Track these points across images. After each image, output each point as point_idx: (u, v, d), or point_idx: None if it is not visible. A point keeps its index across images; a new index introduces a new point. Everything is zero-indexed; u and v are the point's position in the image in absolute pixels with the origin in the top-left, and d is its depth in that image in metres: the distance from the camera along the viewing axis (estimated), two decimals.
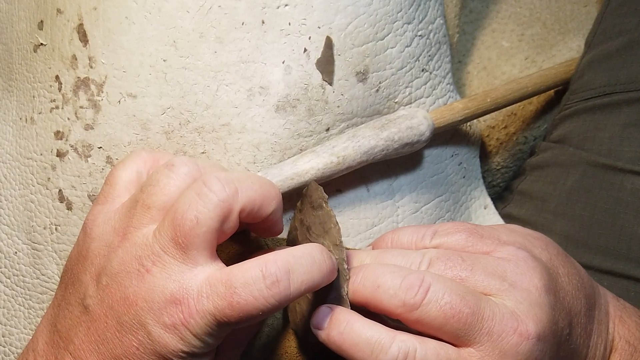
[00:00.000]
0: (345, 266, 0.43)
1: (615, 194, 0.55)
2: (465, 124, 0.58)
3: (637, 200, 0.53)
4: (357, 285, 0.43)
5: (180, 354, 0.38)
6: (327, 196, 0.43)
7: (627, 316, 0.46)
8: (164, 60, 0.47)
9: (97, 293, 0.40)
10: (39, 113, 0.52)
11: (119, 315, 0.39)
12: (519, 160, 0.66)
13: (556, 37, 0.65)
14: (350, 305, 0.43)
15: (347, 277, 0.43)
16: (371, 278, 0.42)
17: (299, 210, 0.46)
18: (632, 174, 0.54)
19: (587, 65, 0.60)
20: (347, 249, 0.48)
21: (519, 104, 0.62)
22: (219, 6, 0.47)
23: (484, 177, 0.66)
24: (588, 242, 0.55)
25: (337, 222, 0.43)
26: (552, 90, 0.63)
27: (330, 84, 0.49)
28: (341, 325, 0.41)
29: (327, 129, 0.50)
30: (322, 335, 0.42)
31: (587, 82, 0.59)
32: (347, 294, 0.43)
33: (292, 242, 0.48)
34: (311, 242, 0.44)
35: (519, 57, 0.65)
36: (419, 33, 0.52)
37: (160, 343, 0.37)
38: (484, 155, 0.65)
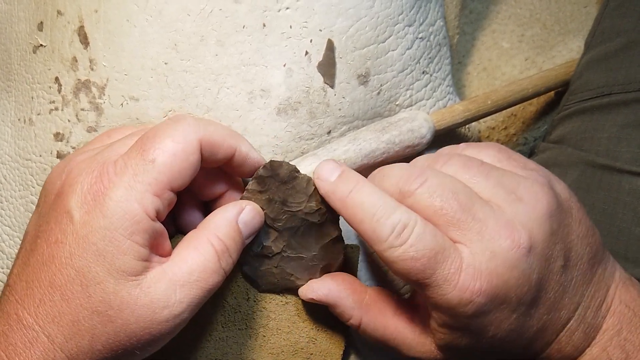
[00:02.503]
0: (336, 213, 0.45)
1: (613, 195, 0.55)
2: (464, 127, 0.58)
3: (635, 200, 0.53)
4: (370, 176, 0.44)
5: None
6: (295, 165, 0.45)
7: (631, 285, 0.46)
8: (165, 63, 0.47)
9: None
10: (38, 114, 0.52)
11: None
12: None
13: (556, 37, 0.65)
14: None
15: (338, 217, 0.45)
16: (382, 170, 0.44)
17: (258, 192, 0.46)
18: (630, 174, 0.54)
19: (585, 66, 0.60)
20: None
21: (519, 105, 0.62)
22: (220, 9, 0.47)
23: None
24: None
25: (313, 182, 0.45)
26: (552, 92, 0.63)
27: (332, 86, 0.49)
28: (350, 183, 0.42)
29: (329, 132, 0.50)
30: (326, 186, 0.43)
31: (586, 83, 0.60)
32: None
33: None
34: (290, 213, 0.46)
35: (519, 58, 0.65)
36: (420, 35, 0.52)
37: None
38: None
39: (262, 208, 0.46)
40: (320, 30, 0.48)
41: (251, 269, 0.48)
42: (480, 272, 0.39)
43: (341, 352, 0.51)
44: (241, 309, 0.50)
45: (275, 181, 0.45)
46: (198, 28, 0.47)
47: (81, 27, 0.49)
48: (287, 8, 0.47)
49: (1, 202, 0.55)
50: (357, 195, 0.41)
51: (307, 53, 0.48)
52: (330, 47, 0.48)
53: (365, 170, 0.50)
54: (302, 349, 0.51)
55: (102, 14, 0.48)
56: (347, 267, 0.51)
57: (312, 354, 0.51)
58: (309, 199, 0.45)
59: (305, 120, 0.49)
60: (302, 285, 0.48)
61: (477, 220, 0.40)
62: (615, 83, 0.57)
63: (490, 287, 0.39)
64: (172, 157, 0.39)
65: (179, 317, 0.40)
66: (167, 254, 0.41)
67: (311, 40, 0.48)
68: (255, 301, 0.50)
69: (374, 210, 0.40)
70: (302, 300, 0.50)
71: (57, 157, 0.50)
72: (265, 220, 0.46)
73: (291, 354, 0.51)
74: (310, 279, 0.48)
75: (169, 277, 0.40)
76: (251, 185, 0.45)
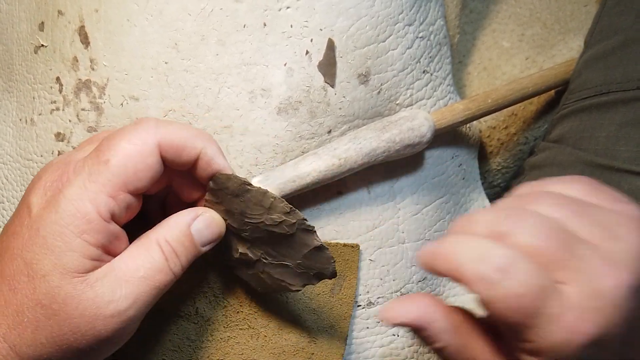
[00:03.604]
0: (308, 223, 0.44)
1: None
2: (464, 126, 0.58)
3: (633, 199, 0.53)
4: (453, 228, 0.42)
5: None
6: (245, 178, 0.44)
7: None
8: (166, 63, 0.47)
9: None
10: (39, 114, 0.52)
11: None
12: (519, 160, 0.66)
13: (556, 37, 0.65)
14: None
15: (314, 229, 0.44)
16: (467, 218, 0.41)
17: (215, 203, 0.45)
18: (629, 173, 0.54)
19: (584, 65, 0.60)
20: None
21: (519, 104, 0.62)
22: (220, 9, 0.47)
23: (484, 177, 0.66)
24: None
25: (274, 195, 0.44)
26: (553, 91, 0.63)
27: (332, 86, 0.49)
28: (442, 243, 0.40)
29: (329, 131, 0.50)
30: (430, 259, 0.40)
31: (584, 82, 0.60)
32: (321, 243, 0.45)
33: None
34: (251, 224, 0.45)
35: (519, 57, 0.65)
36: (420, 35, 0.52)
37: None
38: (485, 155, 0.65)
39: (224, 218, 0.45)
40: (321, 30, 0.48)
41: (241, 273, 0.48)
42: (586, 312, 0.38)
43: (342, 352, 0.51)
44: (243, 310, 0.50)
45: (227, 194, 0.44)
46: (199, 27, 0.47)
47: (82, 27, 0.49)
48: (288, 7, 0.47)
49: (2, 202, 0.55)
50: (451, 245, 0.39)
51: (307, 52, 0.48)
52: (330, 47, 0.48)
53: (366, 169, 0.51)
54: (303, 349, 0.51)
55: (102, 14, 0.48)
56: (347, 267, 0.51)
57: (313, 354, 0.51)
58: (268, 211, 0.44)
59: (305, 120, 0.49)
60: (297, 289, 0.47)
61: (578, 259, 0.38)
62: (613, 81, 0.56)
63: (596, 327, 0.38)
64: (126, 158, 0.39)
65: (125, 313, 0.40)
66: None
67: (312, 40, 0.48)
68: (257, 302, 0.50)
69: (473, 251, 0.38)
70: (303, 300, 0.50)
71: None
72: (232, 230, 0.46)
73: (292, 354, 0.51)
74: (305, 284, 0.47)
75: (115, 273, 0.40)
76: (207, 195, 0.45)
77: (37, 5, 0.52)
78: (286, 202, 0.44)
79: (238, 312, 0.50)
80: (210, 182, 0.44)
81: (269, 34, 0.47)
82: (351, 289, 0.51)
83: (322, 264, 0.46)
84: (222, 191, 0.44)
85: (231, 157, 0.48)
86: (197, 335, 0.50)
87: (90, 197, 0.39)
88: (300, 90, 0.48)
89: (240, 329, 0.50)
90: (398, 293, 0.54)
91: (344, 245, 0.50)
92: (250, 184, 0.44)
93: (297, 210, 0.44)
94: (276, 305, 0.50)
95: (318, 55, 0.48)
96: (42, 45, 0.51)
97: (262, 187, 0.44)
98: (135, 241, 0.42)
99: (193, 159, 0.43)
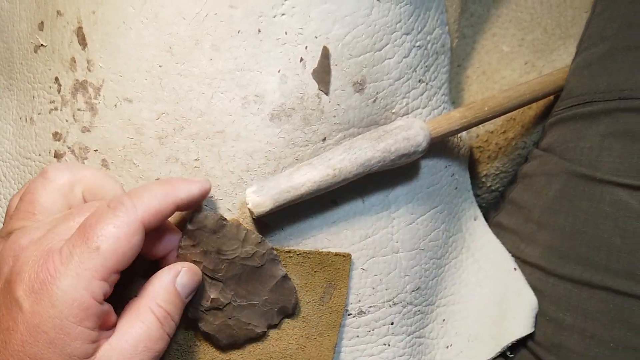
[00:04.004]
0: (275, 253, 0.47)
1: (595, 205, 0.54)
2: (456, 136, 0.58)
3: (615, 211, 0.53)
4: None
5: None
6: (220, 214, 0.46)
7: None
8: (160, 66, 0.47)
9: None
10: (39, 114, 0.52)
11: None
12: (518, 165, 0.65)
13: (557, 42, 0.64)
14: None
15: (279, 259, 0.47)
16: None
17: (191, 247, 0.47)
18: (611, 184, 0.53)
19: (572, 72, 0.60)
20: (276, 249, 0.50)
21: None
22: (215, 14, 0.47)
23: (483, 182, 0.66)
24: (569, 253, 0.55)
25: (245, 227, 0.46)
26: (552, 96, 0.62)
27: (327, 93, 0.49)
28: None
29: (324, 139, 0.49)
30: None
31: (571, 90, 0.59)
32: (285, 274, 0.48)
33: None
34: (227, 261, 0.47)
35: (519, 61, 0.64)
36: (417, 44, 0.52)
37: None
38: (483, 160, 0.65)
39: (199, 261, 0.47)
40: (316, 37, 0.48)
41: (207, 324, 0.49)
42: None
43: None
44: None
45: (205, 232, 0.46)
46: (193, 32, 0.47)
47: (80, 28, 0.49)
48: (283, 14, 0.47)
49: (0, 200, 0.55)
50: None
51: (302, 59, 0.48)
52: (325, 54, 0.48)
53: (361, 178, 0.50)
54: (291, 355, 0.51)
55: (99, 16, 0.48)
56: (338, 276, 0.51)
57: None
58: (242, 244, 0.46)
59: (299, 127, 0.48)
60: (262, 331, 0.49)
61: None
62: (597, 91, 0.56)
63: None
64: (115, 242, 0.40)
65: None
66: (113, 326, 0.42)
67: (306, 47, 0.48)
68: None
69: None
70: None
71: (55, 157, 0.51)
72: (206, 273, 0.47)
73: None
74: (269, 324, 0.49)
75: (117, 353, 0.41)
76: (183, 241, 0.46)
77: (37, 5, 0.52)
78: (257, 233, 0.47)
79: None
80: (188, 224, 0.46)
81: (263, 40, 0.47)
82: (341, 297, 0.51)
83: (286, 295, 0.48)
84: (201, 230, 0.46)
85: (223, 163, 0.48)
86: (184, 340, 0.50)
87: (85, 285, 0.39)
88: (294, 97, 0.48)
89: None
90: (390, 302, 0.54)
91: (335, 254, 0.50)
92: (225, 219, 0.46)
93: (266, 240, 0.47)
94: None
95: (312, 63, 0.48)
96: (42, 44, 0.52)
97: (235, 222, 0.47)
98: (126, 312, 0.43)
99: (172, 214, 0.44)
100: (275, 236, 0.50)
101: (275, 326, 0.50)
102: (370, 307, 0.53)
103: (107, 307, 0.42)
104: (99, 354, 0.40)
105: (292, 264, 0.49)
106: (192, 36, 0.47)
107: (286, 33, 0.47)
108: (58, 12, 0.50)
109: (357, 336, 0.53)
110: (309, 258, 0.50)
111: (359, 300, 0.53)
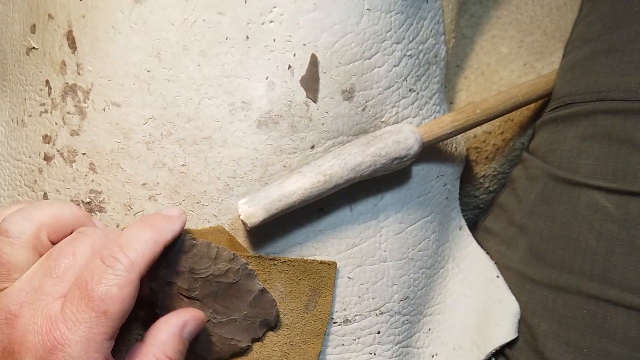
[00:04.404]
0: (249, 267, 0.47)
1: (572, 208, 0.54)
2: (452, 146, 0.57)
3: (591, 214, 0.53)
4: None
5: None
6: (189, 233, 0.47)
7: None
8: (148, 71, 0.47)
9: None
10: (30, 116, 0.52)
11: None
12: (515, 166, 0.65)
13: (556, 44, 0.64)
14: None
15: (255, 273, 0.47)
16: None
17: (163, 268, 0.47)
18: (588, 187, 0.53)
19: (557, 75, 0.60)
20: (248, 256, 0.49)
21: None
22: (203, 20, 0.47)
23: (480, 183, 0.65)
24: (546, 257, 0.55)
25: (215, 245, 0.46)
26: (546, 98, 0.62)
27: (315, 101, 0.48)
28: None
29: (312, 147, 0.49)
30: None
31: (556, 92, 0.59)
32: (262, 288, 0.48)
33: (170, 301, 0.48)
34: (201, 279, 0.47)
35: (517, 63, 0.64)
36: (408, 53, 0.52)
37: None
38: (481, 160, 0.64)
39: (172, 282, 0.47)
40: (304, 45, 0.48)
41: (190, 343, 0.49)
42: None
43: None
44: None
45: (176, 254, 0.46)
46: (181, 37, 0.47)
47: (70, 32, 0.49)
48: (271, 21, 0.47)
49: None
50: None
51: (290, 67, 0.48)
52: (314, 62, 0.48)
53: (350, 186, 0.50)
54: None
55: (89, 20, 0.48)
56: (323, 284, 0.50)
57: None
58: (215, 262, 0.46)
59: (286, 134, 0.48)
60: (247, 345, 0.49)
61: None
62: (577, 92, 0.56)
63: None
64: (122, 304, 0.40)
65: None
66: None
67: (294, 55, 0.48)
68: None
69: None
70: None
71: (44, 159, 0.51)
72: (181, 293, 0.47)
73: None
74: (253, 338, 0.49)
75: None
76: (155, 263, 0.45)
77: (29, 7, 0.52)
78: (229, 250, 0.47)
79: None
80: (160, 257, 0.45)
81: (251, 47, 0.47)
82: (326, 305, 0.51)
83: (266, 309, 0.48)
84: (172, 253, 0.46)
85: (209, 169, 0.48)
86: None
87: (96, 349, 0.39)
88: (282, 105, 0.48)
89: None
90: (377, 311, 0.53)
91: (320, 262, 0.50)
92: (195, 239, 0.46)
93: (238, 256, 0.47)
94: None
95: (301, 70, 0.48)
96: (34, 47, 0.52)
97: (205, 241, 0.47)
98: (131, 355, 0.43)
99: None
100: (261, 244, 0.50)
101: (259, 339, 0.50)
102: (356, 315, 0.53)
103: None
104: None
105: (276, 271, 0.49)
106: (180, 42, 0.47)
107: (274, 40, 0.47)
108: (49, 16, 0.50)
109: (343, 344, 0.53)
110: (293, 266, 0.49)
111: (345, 309, 0.52)
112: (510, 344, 0.58)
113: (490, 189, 0.66)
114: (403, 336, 0.56)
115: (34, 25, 0.52)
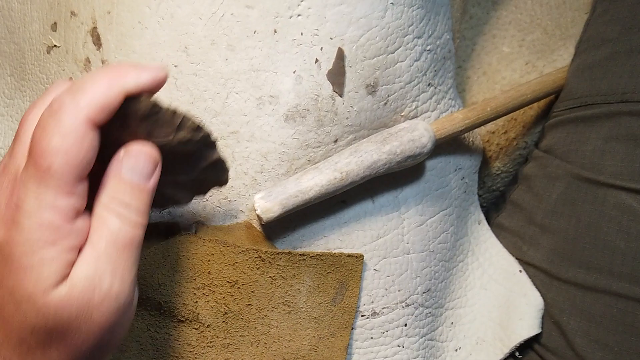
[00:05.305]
0: (211, 138, 0.42)
1: (598, 208, 0.55)
2: (469, 140, 0.58)
3: (619, 214, 0.53)
4: None
5: None
6: (155, 99, 0.41)
7: None
8: (175, 66, 0.48)
9: None
10: None
11: None
12: (519, 165, 0.66)
13: (557, 42, 0.65)
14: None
15: (215, 143, 0.43)
16: None
17: (119, 127, 0.40)
18: (615, 188, 0.54)
19: (571, 73, 0.61)
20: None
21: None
22: (232, 14, 0.47)
23: (484, 182, 0.66)
24: (572, 257, 0.56)
25: (183, 113, 0.41)
26: (553, 95, 0.63)
27: (341, 95, 0.49)
28: None
29: (335, 141, 0.50)
30: None
31: (571, 91, 0.60)
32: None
33: None
34: (157, 142, 0.42)
35: (519, 62, 0.65)
36: (428, 47, 0.52)
37: None
38: (484, 160, 0.65)
39: (125, 142, 0.42)
40: (331, 39, 0.48)
41: None
42: None
43: None
44: (243, 316, 0.50)
45: (136, 118, 0.41)
46: (209, 32, 0.47)
47: (94, 29, 0.49)
48: (299, 15, 0.47)
49: None
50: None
51: (317, 61, 0.48)
52: (340, 56, 0.48)
53: (369, 180, 0.50)
54: (303, 357, 0.51)
55: (114, 16, 0.48)
56: (350, 277, 0.51)
57: None
58: (176, 131, 0.41)
59: (312, 128, 0.49)
60: (187, 202, 0.47)
61: None
62: (599, 93, 0.56)
63: None
64: (65, 156, 0.37)
65: (111, 291, 0.38)
66: None
67: (321, 48, 0.48)
68: (257, 309, 0.50)
69: None
70: (304, 309, 0.50)
71: None
72: None
73: None
74: (194, 195, 0.47)
75: (84, 260, 0.38)
76: (111, 124, 0.40)
77: (49, 6, 0.52)
78: (194, 119, 0.42)
79: (238, 318, 0.50)
80: (118, 112, 0.40)
81: (279, 41, 0.47)
82: (353, 298, 0.51)
83: (218, 174, 0.45)
84: (131, 115, 0.40)
85: (237, 163, 0.48)
86: (197, 341, 0.50)
87: (49, 205, 0.37)
88: (309, 99, 0.48)
89: (241, 336, 0.50)
90: (403, 304, 0.54)
91: (348, 255, 0.50)
92: (160, 105, 0.41)
93: (203, 127, 0.42)
94: (277, 313, 0.50)
95: (327, 64, 0.48)
96: (55, 45, 0.52)
97: (172, 107, 0.41)
98: (92, 222, 0.40)
99: (122, 102, 0.39)
100: (288, 238, 0.50)
101: (203, 195, 0.47)
102: (383, 308, 0.53)
103: (84, 225, 0.39)
104: (73, 273, 0.38)
105: (305, 266, 0.49)
106: (208, 36, 0.47)
107: (302, 34, 0.48)
108: (72, 13, 0.50)
109: (371, 338, 0.53)
110: (322, 260, 0.50)
111: (372, 302, 0.53)
112: (539, 340, 0.58)
113: (493, 187, 0.67)
114: (427, 329, 0.56)
115: (55, 23, 0.52)
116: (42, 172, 0.37)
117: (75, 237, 0.38)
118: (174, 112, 0.41)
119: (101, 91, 0.38)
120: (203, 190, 0.46)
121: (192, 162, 0.43)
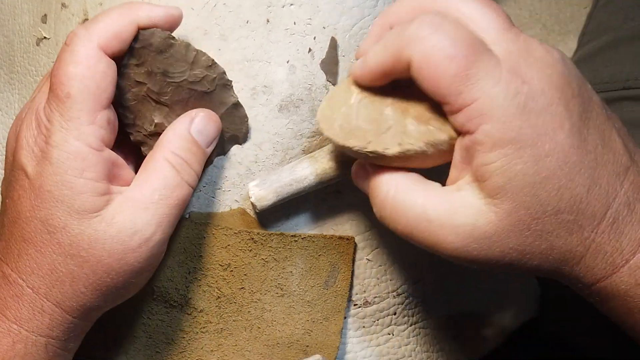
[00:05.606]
0: (226, 77, 0.46)
1: None
2: None
3: None
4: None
5: None
6: (168, 32, 0.43)
7: None
8: None
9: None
10: None
11: None
12: None
13: (556, 37, 0.65)
14: None
15: (231, 84, 0.46)
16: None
17: (135, 66, 0.43)
18: None
19: (575, 64, 0.61)
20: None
21: None
22: (224, 4, 0.47)
23: None
24: None
25: (196, 48, 0.44)
26: None
27: (334, 84, 0.49)
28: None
29: None
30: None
31: None
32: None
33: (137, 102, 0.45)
34: (174, 84, 0.44)
35: None
36: None
37: None
38: None
39: (142, 82, 0.44)
40: (324, 28, 0.48)
41: (150, 149, 0.46)
42: (521, 66, 0.36)
43: (337, 345, 0.51)
44: (236, 300, 0.50)
45: (151, 51, 0.43)
46: (201, 22, 0.47)
47: (86, 20, 0.49)
48: (292, 4, 0.47)
49: None
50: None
51: (310, 50, 0.48)
52: (333, 45, 0.48)
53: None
54: (297, 340, 0.51)
55: (106, 7, 0.48)
56: (341, 260, 0.51)
57: (308, 345, 0.51)
58: (191, 67, 0.44)
59: (306, 118, 0.49)
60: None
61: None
62: (600, 81, 0.57)
63: (537, 76, 0.36)
64: (81, 82, 0.39)
65: (151, 239, 0.41)
66: (129, 183, 0.42)
67: (314, 38, 0.48)
68: (250, 292, 0.50)
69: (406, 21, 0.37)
70: (297, 292, 0.50)
71: None
72: (151, 96, 0.44)
73: (287, 345, 0.51)
74: (218, 152, 0.48)
75: (131, 203, 0.40)
76: (127, 59, 0.43)
77: None
78: (208, 55, 0.44)
79: (231, 302, 0.50)
80: (134, 42, 0.42)
81: (272, 31, 0.47)
82: (345, 281, 0.51)
83: (237, 124, 0.47)
84: (146, 49, 0.43)
85: (230, 154, 0.48)
86: (190, 327, 0.50)
87: (74, 135, 0.39)
88: (302, 88, 0.48)
89: (234, 321, 0.50)
90: (394, 293, 0.54)
91: (339, 237, 0.50)
92: (174, 38, 0.43)
93: (217, 63, 0.44)
94: (270, 296, 0.50)
95: (320, 54, 0.48)
96: (45, 37, 0.51)
97: (185, 41, 0.44)
98: (141, 166, 0.43)
99: (134, 34, 0.42)
100: (282, 226, 0.50)
101: (224, 154, 0.48)
102: (375, 297, 0.53)
103: (113, 156, 0.41)
104: (111, 206, 0.40)
105: (297, 248, 0.49)
106: (200, 26, 0.47)
107: (295, 23, 0.48)
108: (63, 5, 0.50)
109: (364, 326, 0.53)
110: (313, 242, 0.50)
111: (364, 291, 0.53)
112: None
113: None
114: (417, 317, 0.56)
115: (45, 15, 0.51)
116: (63, 101, 0.39)
117: (103, 168, 0.40)
118: (187, 45, 0.43)
119: (113, 21, 0.40)
120: (225, 146, 0.48)
121: (210, 106, 0.45)
